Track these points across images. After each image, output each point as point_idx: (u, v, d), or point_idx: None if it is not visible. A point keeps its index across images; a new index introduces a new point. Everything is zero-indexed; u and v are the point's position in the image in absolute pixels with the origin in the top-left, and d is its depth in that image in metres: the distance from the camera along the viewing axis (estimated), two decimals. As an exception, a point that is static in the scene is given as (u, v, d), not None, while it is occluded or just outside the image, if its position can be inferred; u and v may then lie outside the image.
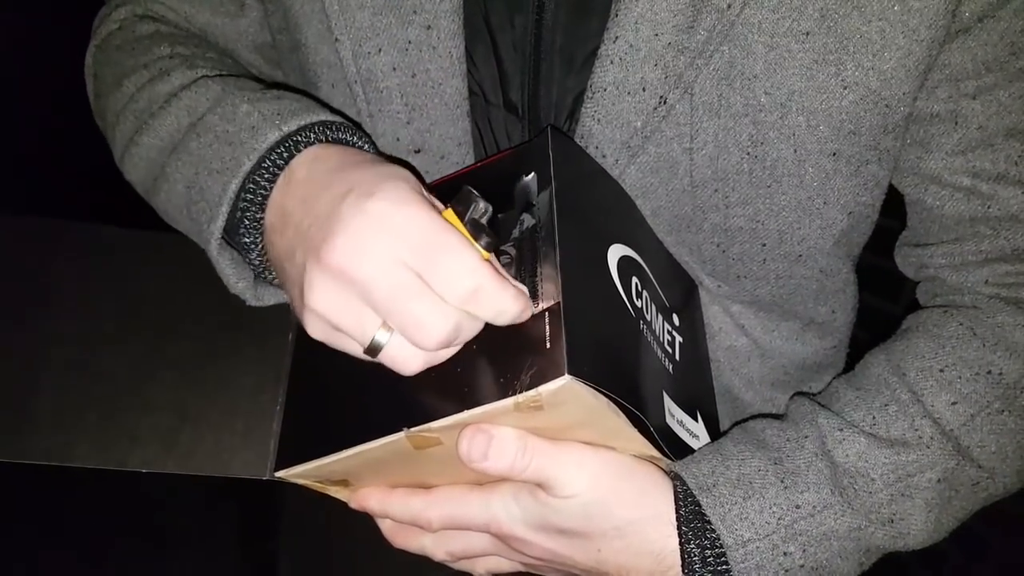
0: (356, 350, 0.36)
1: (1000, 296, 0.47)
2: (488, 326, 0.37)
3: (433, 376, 0.39)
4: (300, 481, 0.44)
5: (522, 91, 0.47)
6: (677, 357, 0.48)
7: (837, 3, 0.40)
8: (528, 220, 0.41)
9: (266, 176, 0.40)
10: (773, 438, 0.44)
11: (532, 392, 0.35)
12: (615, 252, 0.44)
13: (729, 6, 0.40)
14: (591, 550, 0.41)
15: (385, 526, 0.48)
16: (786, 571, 0.41)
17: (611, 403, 0.37)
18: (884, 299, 0.89)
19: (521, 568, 0.47)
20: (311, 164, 0.39)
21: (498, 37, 0.46)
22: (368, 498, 0.45)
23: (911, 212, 0.51)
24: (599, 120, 0.44)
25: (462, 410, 0.37)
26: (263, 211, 0.41)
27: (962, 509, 0.44)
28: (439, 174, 0.50)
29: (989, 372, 0.43)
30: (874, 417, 0.44)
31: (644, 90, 0.42)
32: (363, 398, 0.41)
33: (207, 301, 0.51)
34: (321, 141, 0.41)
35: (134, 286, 0.50)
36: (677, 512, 0.41)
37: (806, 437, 0.43)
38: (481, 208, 0.36)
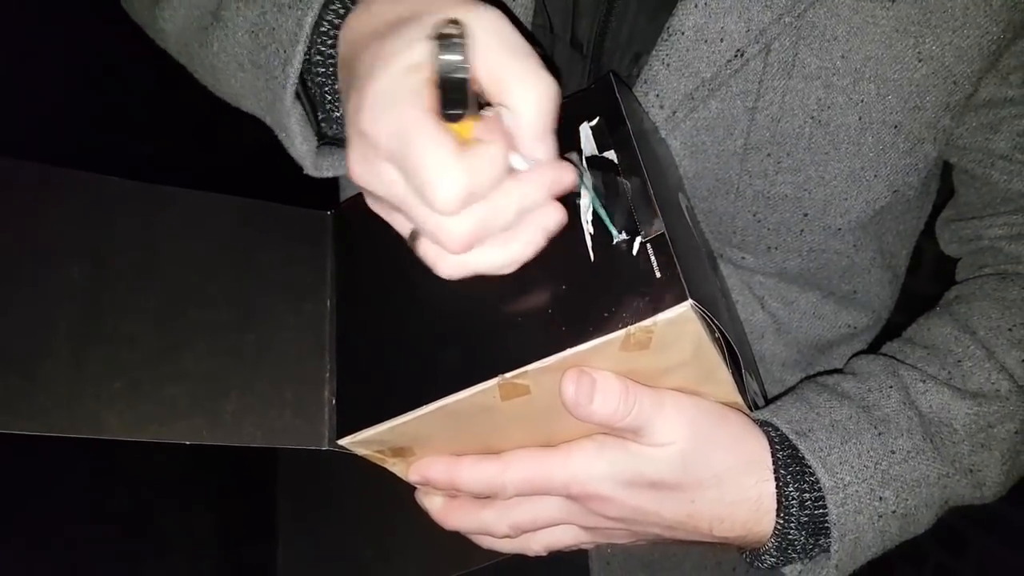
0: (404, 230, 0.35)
1: None
2: (576, 264, 0.36)
3: (519, 319, 0.37)
4: (360, 451, 0.41)
5: (591, 29, 0.46)
6: (730, 315, 0.48)
7: None
8: (611, 155, 0.39)
9: (340, 4, 0.37)
10: (853, 390, 0.44)
11: (647, 322, 0.33)
12: (682, 199, 0.44)
13: None
14: (684, 502, 0.40)
15: (435, 506, 0.45)
16: (880, 516, 0.41)
17: (716, 338, 0.36)
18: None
19: (585, 538, 0.44)
20: None
21: None
22: (431, 467, 0.41)
23: (968, 188, 0.52)
24: (668, 65, 0.43)
25: (564, 348, 0.35)
26: (335, 44, 0.37)
27: None
28: None
29: None
30: (950, 372, 0.44)
31: (722, 40, 0.42)
32: (434, 351, 0.39)
33: (229, 266, 0.46)
34: None
35: (147, 247, 0.44)
36: (774, 456, 0.40)
37: (891, 387, 0.43)
38: (447, 61, 0.31)
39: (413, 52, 0.32)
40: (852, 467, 0.40)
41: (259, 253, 0.47)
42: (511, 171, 0.33)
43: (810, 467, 0.40)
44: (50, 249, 0.41)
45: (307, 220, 0.49)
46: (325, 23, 0.38)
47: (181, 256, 0.45)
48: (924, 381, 0.44)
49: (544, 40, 0.47)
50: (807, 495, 0.40)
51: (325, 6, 0.38)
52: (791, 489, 0.40)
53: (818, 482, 0.40)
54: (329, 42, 0.38)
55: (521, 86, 0.32)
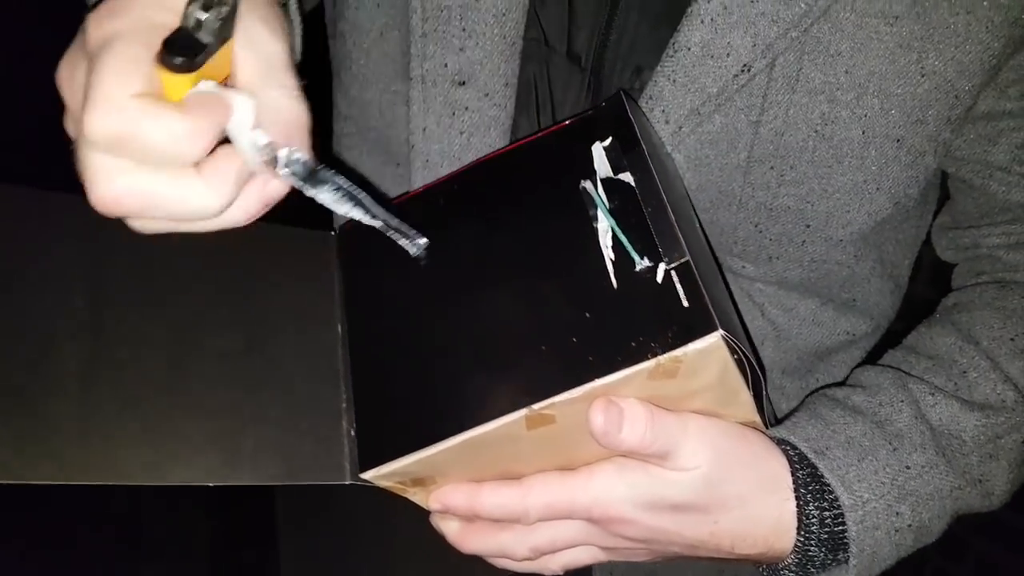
0: None
1: None
2: (598, 290, 0.36)
3: (543, 346, 0.37)
4: (382, 483, 0.40)
5: (591, 41, 0.45)
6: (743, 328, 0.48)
7: None
8: (626, 177, 0.39)
9: None
10: (865, 404, 0.44)
11: (677, 352, 0.33)
12: (695, 217, 0.44)
13: None
14: (706, 523, 0.40)
15: (452, 530, 0.45)
16: (896, 531, 0.41)
17: (737, 359, 0.36)
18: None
19: (604, 557, 0.45)
20: None
21: None
22: (452, 495, 0.41)
23: (965, 197, 0.53)
24: (674, 80, 0.42)
25: (593, 379, 0.35)
26: None
27: None
28: (481, 112, 0.47)
29: None
30: (956, 383, 0.45)
31: (729, 56, 0.41)
32: (455, 378, 0.38)
33: (234, 290, 0.45)
34: None
35: (148, 272, 0.43)
36: (794, 475, 0.41)
37: (902, 401, 0.44)
38: (200, 19, 0.28)
39: None
40: (870, 484, 0.41)
41: (264, 276, 0.46)
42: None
43: (829, 485, 0.41)
44: (51, 278, 0.40)
45: (310, 241, 0.48)
46: None
47: (184, 281, 0.43)
48: (933, 394, 0.44)
49: (538, 54, 0.46)
50: (827, 513, 0.41)
51: None
52: (811, 508, 0.41)
53: (837, 500, 0.41)
54: None
55: (269, 96, 0.30)
